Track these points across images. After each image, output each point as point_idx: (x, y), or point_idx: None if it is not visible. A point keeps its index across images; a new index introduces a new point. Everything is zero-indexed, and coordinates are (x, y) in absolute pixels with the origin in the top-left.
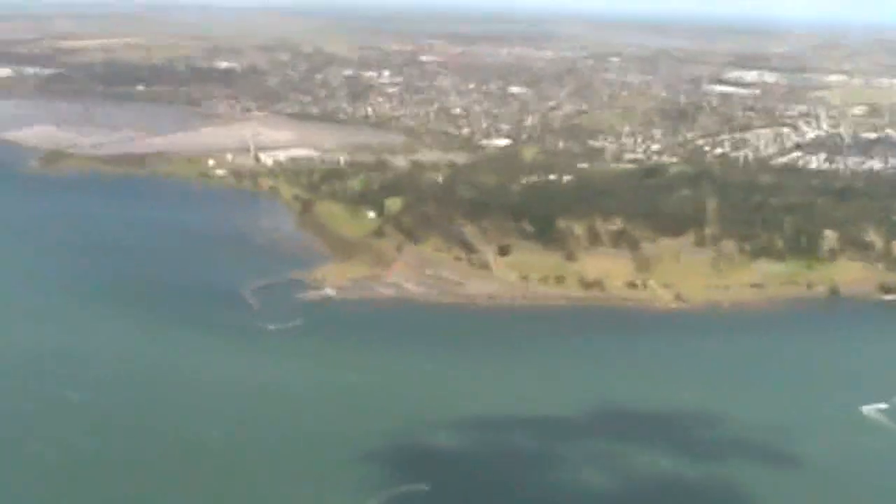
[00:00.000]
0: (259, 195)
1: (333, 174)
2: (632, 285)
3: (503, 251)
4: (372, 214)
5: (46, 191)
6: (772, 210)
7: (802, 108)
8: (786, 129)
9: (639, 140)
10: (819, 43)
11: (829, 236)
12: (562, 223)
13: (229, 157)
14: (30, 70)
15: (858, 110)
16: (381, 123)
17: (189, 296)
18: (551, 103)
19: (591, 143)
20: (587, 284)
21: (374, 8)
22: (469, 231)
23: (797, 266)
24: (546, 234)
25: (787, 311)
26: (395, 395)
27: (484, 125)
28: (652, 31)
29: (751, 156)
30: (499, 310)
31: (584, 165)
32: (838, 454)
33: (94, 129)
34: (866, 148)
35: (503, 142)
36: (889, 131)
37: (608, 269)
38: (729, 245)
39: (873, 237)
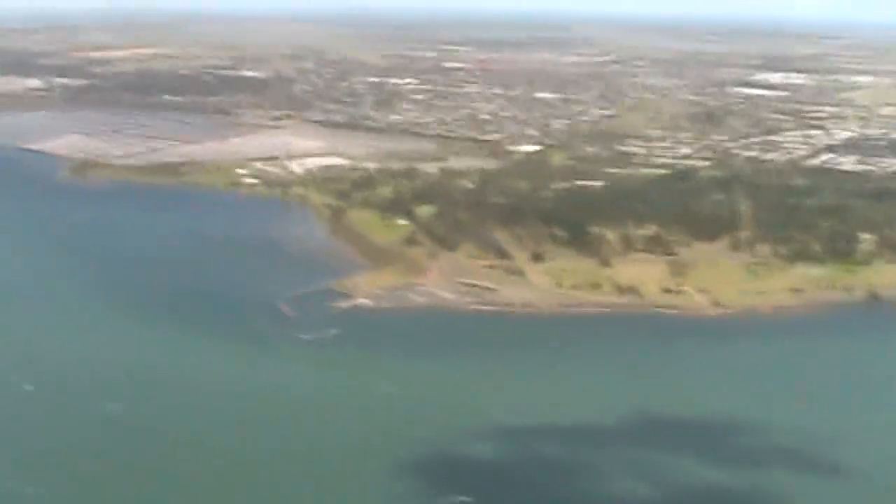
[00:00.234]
0: (289, 204)
1: (364, 182)
2: (667, 291)
3: (537, 258)
4: (404, 222)
5: (77, 200)
6: (806, 213)
7: (832, 109)
8: (816, 131)
9: (667, 144)
10: (845, 44)
11: (866, 239)
12: (595, 229)
13: (259, 165)
14: (60, 81)
15: (888, 111)
16: (408, 130)
17: (223, 306)
18: (579, 108)
19: (620, 147)
20: (622, 290)
21: (396, 16)
22: (502, 238)
23: (835, 269)
24: (579, 240)
25: (827, 315)
26: (432, 404)
27: (512, 131)
28: (676, 35)
29: (782, 158)
30: (534, 317)
31: (614, 170)
32: (883, 463)
33: (123, 139)
34: None
35: (531, 147)
36: None
37: (643, 274)
38: (765, 249)
39: None
